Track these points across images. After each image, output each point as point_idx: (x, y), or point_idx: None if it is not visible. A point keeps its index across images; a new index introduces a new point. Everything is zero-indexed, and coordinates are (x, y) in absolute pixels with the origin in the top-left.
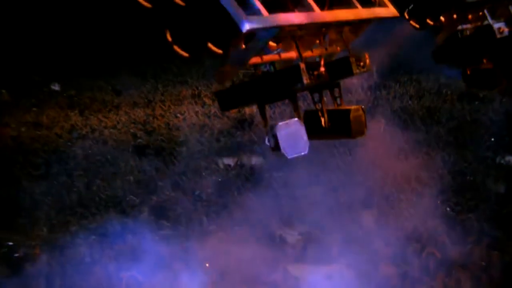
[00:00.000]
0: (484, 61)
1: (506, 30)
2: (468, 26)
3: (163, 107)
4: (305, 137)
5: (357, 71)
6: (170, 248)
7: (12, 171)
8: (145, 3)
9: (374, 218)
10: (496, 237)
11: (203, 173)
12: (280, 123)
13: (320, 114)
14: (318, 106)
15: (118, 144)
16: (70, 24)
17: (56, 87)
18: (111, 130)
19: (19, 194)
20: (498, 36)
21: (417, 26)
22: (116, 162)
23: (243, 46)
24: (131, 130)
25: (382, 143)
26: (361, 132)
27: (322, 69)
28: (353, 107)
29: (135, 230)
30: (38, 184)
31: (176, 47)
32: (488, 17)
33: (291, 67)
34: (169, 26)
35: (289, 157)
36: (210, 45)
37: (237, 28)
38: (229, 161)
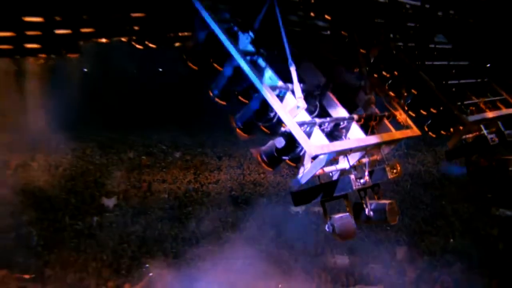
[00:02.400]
0: (482, 160)
1: (496, 139)
2: (470, 135)
3: (251, 168)
4: (354, 226)
5: (391, 176)
6: (255, 269)
7: (148, 214)
8: (244, 134)
9: (405, 252)
10: (493, 265)
11: (279, 217)
12: (336, 216)
13: (364, 206)
14: (363, 200)
15: (219, 195)
16: (190, 114)
17: (177, 154)
18: (214, 185)
19: (152, 230)
20: (491, 143)
21: (434, 135)
22: (217, 208)
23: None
24: (228, 185)
25: (408, 196)
26: (394, 220)
27: (366, 178)
28: (388, 201)
29: (230, 255)
30: (164, 223)
31: (262, 163)
32: (484, 130)
33: (344, 179)
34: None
35: (342, 241)
36: (288, 161)
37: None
38: (299, 208)
